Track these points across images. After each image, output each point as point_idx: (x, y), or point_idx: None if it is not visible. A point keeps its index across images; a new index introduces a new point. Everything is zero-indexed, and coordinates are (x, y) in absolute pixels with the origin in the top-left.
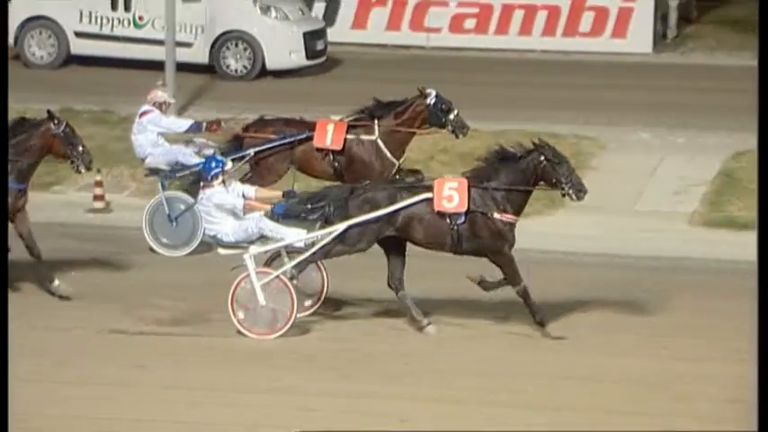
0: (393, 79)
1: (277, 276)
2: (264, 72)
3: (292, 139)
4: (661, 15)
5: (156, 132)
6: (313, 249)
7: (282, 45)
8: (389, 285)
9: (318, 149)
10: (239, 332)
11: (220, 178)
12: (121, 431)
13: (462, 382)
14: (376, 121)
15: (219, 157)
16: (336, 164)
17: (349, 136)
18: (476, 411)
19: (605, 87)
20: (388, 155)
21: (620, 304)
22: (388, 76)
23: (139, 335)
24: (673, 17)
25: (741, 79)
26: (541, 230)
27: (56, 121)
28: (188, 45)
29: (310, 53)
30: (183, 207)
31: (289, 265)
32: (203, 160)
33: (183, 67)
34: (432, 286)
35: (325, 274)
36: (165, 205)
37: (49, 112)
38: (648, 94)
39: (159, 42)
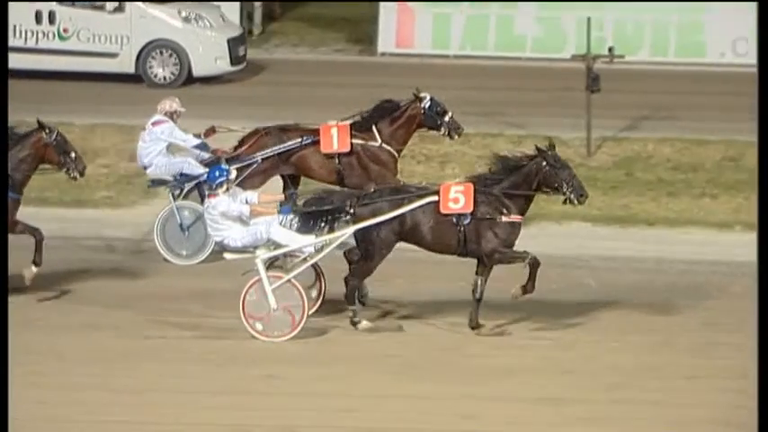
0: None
1: (288, 280)
2: (191, 79)
3: (299, 144)
4: (247, 13)
5: (166, 144)
6: (349, 279)
7: (208, 52)
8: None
9: (326, 155)
10: (253, 336)
11: (225, 186)
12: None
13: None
14: (374, 127)
15: (224, 166)
16: (341, 167)
17: (354, 141)
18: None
19: (193, 84)
20: (395, 154)
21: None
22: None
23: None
24: (258, 15)
25: (320, 73)
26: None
27: (47, 131)
28: (114, 55)
29: (234, 59)
30: (194, 216)
31: (300, 269)
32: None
33: (109, 77)
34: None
35: (322, 278)
36: (177, 215)
37: (39, 121)
38: (238, 88)
39: (84, 54)
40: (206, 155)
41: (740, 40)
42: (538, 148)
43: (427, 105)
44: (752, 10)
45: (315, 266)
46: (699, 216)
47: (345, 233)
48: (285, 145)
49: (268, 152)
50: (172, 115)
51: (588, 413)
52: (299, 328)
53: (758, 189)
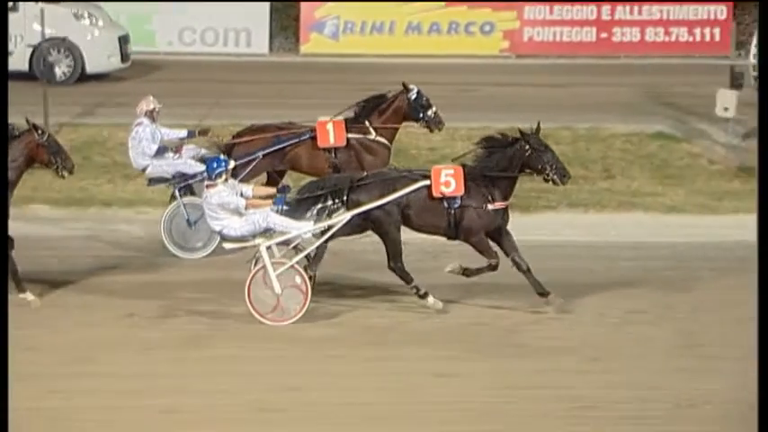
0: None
1: (292, 266)
2: (84, 76)
3: (297, 140)
4: None
5: (154, 143)
6: (391, 260)
7: (101, 49)
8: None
9: (323, 149)
10: (260, 321)
11: (224, 177)
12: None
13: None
14: (367, 122)
15: (222, 157)
16: (337, 161)
17: (349, 135)
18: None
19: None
20: (389, 145)
21: None
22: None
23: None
24: None
25: None
26: None
27: (39, 132)
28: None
29: (124, 56)
30: (199, 211)
31: (301, 254)
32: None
33: None
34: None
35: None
36: (184, 211)
37: (34, 124)
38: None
39: None
40: (203, 151)
41: (187, 30)
42: (521, 132)
43: (413, 98)
44: (199, 5)
45: (307, 256)
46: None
47: (343, 219)
48: (284, 141)
49: (270, 149)
50: (151, 114)
51: None
52: (302, 312)
53: (758, 182)
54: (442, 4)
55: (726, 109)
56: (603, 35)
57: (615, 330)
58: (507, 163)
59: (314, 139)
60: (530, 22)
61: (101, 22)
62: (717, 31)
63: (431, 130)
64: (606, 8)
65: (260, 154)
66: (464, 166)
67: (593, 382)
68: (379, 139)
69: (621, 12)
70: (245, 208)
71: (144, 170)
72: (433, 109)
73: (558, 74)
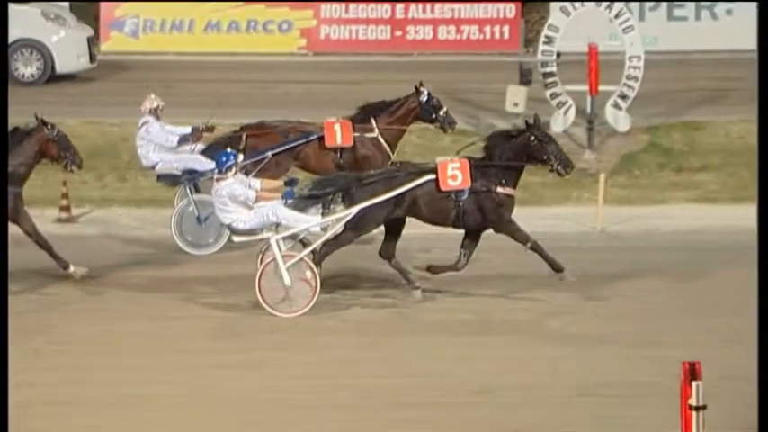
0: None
1: (302, 258)
2: (54, 77)
3: (306, 140)
4: None
5: (163, 140)
6: (326, 243)
7: (70, 50)
8: (381, 255)
9: (331, 149)
10: (271, 313)
11: (234, 170)
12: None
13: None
14: (373, 120)
15: (231, 150)
16: (342, 160)
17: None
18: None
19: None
20: (387, 149)
21: None
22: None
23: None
24: None
25: None
26: None
27: (49, 127)
28: None
29: (92, 57)
30: (210, 209)
31: (310, 248)
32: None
33: None
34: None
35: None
36: (195, 208)
37: (42, 119)
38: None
39: None
40: (200, 145)
41: None
42: (527, 123)
43: (424, 99)
44: None
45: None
46: None
47: (350, 213)
48: (293, 141)
49: (281, 148)
50: (155, 111)
51: None
52: (311, 304)
53: (758, 173)
54: (241, 3)
55: (516, 104)
56: (398, 33)
57: (424, 315)
58: (513, 154)
59: (321, 138)
60: (326, 21)
61: (70, 23)
62: (506, 28)
63: (444, 131)
64: (400, 7)
65: (269, 153)
66: (471, 158)
67: (382, 370)
68: (380, 138)
69: (415, 10)
70: (255, 201)
71: (153, 167)
72: (445, 109)
73: (354, 71)
